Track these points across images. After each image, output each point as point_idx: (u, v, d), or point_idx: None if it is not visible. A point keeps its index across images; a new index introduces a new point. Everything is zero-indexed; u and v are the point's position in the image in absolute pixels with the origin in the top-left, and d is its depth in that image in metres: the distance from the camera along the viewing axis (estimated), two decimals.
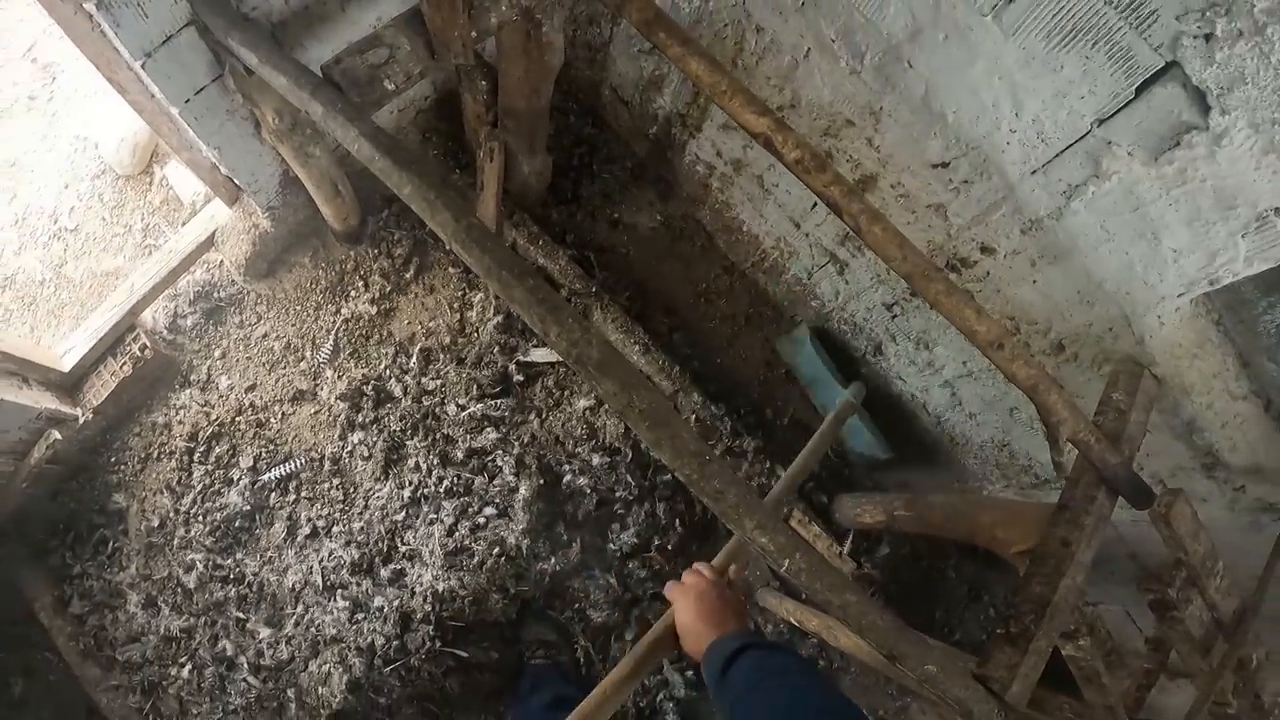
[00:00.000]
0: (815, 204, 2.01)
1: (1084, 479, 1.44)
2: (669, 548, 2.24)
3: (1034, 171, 1.45)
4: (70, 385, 2.16)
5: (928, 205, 1.72)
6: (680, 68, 1.45)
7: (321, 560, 2.15)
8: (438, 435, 2.20)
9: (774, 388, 2.48)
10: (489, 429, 2.20)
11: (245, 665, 2.13)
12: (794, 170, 1.42)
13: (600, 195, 2.47)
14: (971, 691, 1.20)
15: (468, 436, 2.19)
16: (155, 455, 2.23)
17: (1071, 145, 1.34)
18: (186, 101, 1.68)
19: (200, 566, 2.15)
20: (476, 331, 2.30)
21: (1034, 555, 1.43)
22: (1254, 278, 1.25)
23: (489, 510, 2.13)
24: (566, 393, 2.30)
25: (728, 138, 2.11)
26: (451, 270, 2.35)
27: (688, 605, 1.32)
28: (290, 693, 2.11)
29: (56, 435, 2.07)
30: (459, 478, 2.16)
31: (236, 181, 2.01)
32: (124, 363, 2.15)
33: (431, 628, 2.06)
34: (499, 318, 2.29)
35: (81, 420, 2.13)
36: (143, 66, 1.52)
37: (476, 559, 2.09)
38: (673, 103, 2.22)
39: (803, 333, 2.31)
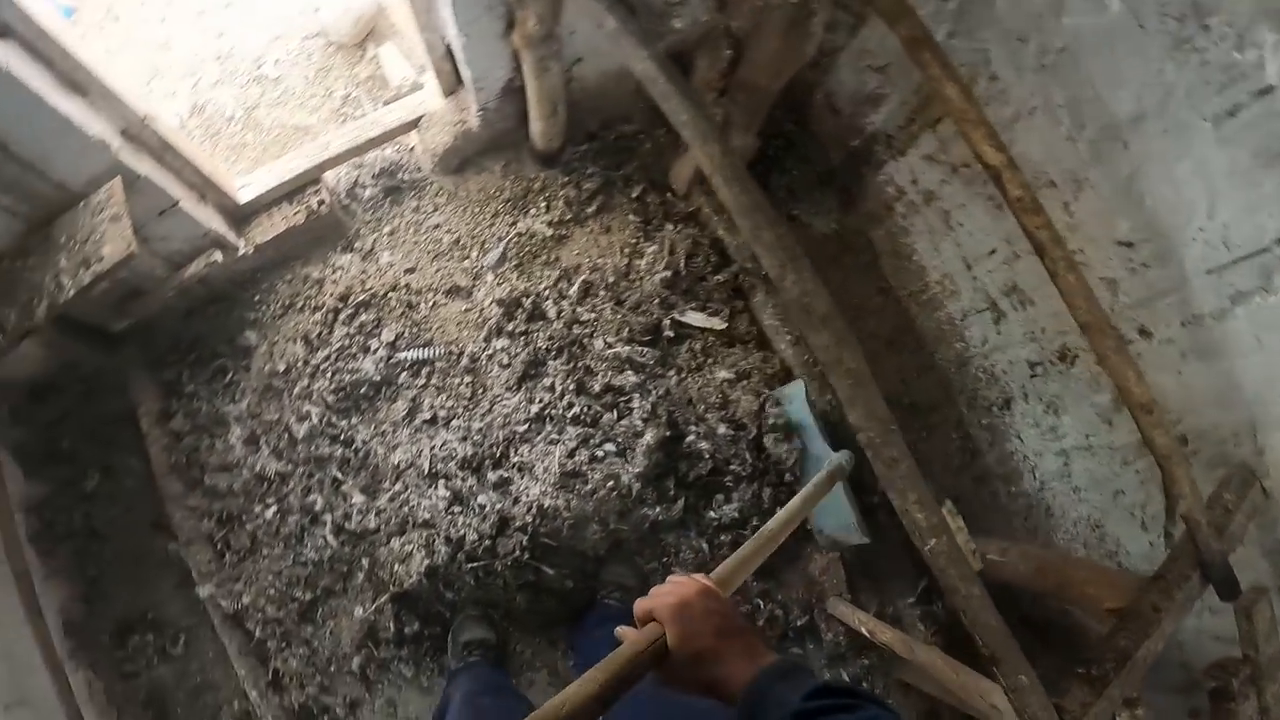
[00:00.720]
0: (994, 250, 2.50)
1: (1184, 558, 1.89)
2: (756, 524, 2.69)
3: (1209, 271, 1.92)
4: (240, 217, 2.64)
5: (1101, 277, 2.19)
6: (935, 88, 1.92)
7: (433, 447, 2.61)
8: (579, 364, 2.68)
9: (910, 416, 2.95)
10: (629, 371, 2.67)
11: (329, 524, 2.59)
12: (1013, 207, 1.89)
13: (785, 189, 2.97)
14: (1048, 716, 1.65)
15: (608, 373, 2.66)
16: (299, 306, 2.72)
17: (1250, 256, 1.80)
18: None
19: (314, 419, 2.62)
20: (641, 279, 2.79)
21: (1124, 614, 1.87)
22: None
23: (609, 446, 2.59)
24: (710, 360, 2.78)
25: (929, 168, 2.60)
26: (632, 217, 2.85)
27: (693, 620, 1.14)
28: (364, 561, 2.58)
29: (218, 257, 2.53)
30: (589, 408, 2.62)
31: (465, 75, 2.51)
32: (299, 211, 2.63)
33: (526, 538, 2.49)
34: (667, 273, 2.79)
35: (241, 252, 2.61)
36: None
37: (589, 486, 2.53)
38: (884, 122, 2.72)
39: (797, 387, 2.65)
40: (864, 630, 2.50)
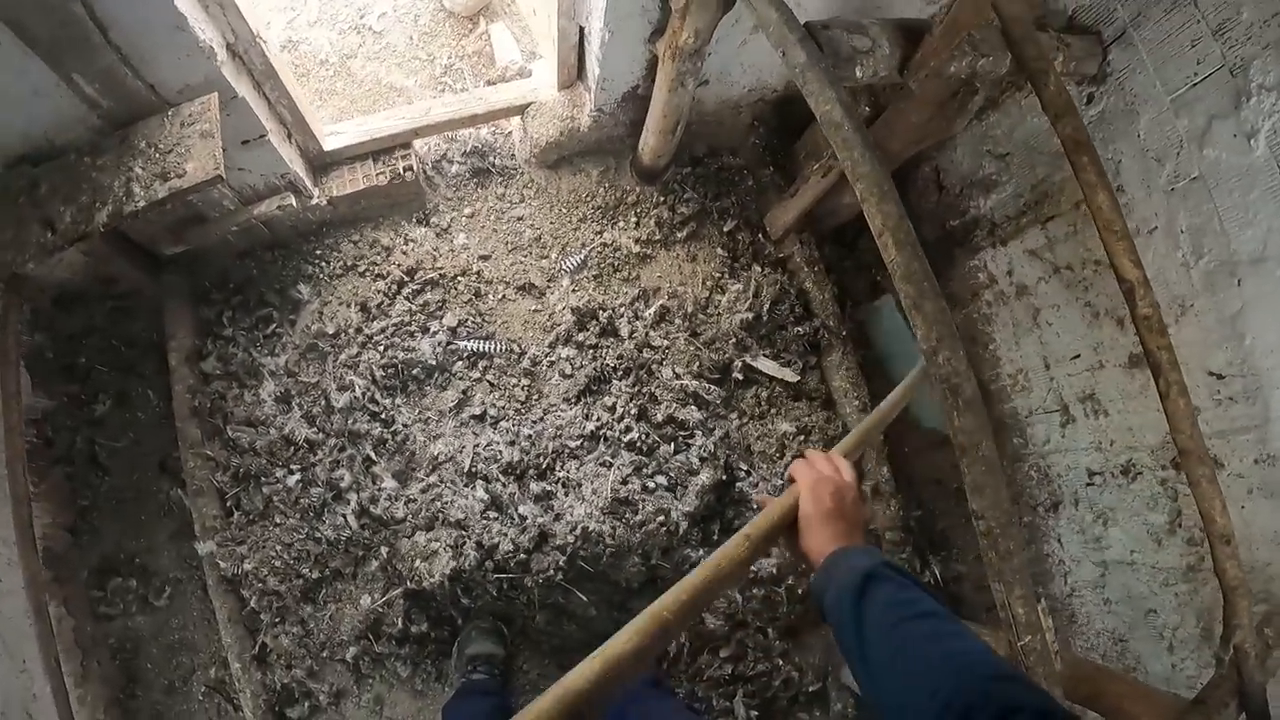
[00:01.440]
0: (1078, 355, 2.64)
1: (1226, 685, 2.02)
2: (799, 590, 2.77)
3: None
4: (320, 165, 2.64)
5: (1186, 405, 2.32)
6: (1086, 194, 2.04)
7: (478, 445, 2.63)
8: (645, 389, 2.73)
9: (939, 500, 3.06)
10: (693, 406, 2.75)
11: (353, 504, 2.57)
12: (1139, 323, 2.01)
13: (872, 254, 3.06)
14: None
15: (673, 404, 2.73)
16: (361, 270, 2.72)
17: None
18: None
19: (357, 391, 2.60)
20: (719, 315, 2.88)
21: None
22: None
23: (660, 479, 2.65)
24: (774, 411, 2.89)
25: (1029, 263, 2.73)
26: (720, 251, 2.95)
27: (819, 496, 1.38)
28: (383, 550, 2.56)
29: (291, 201, 2.52)
30: (647, 436, 2.68)
31: (591, 71, 2.55)
32: (382, 171, 2.64)
33: (564, 558, 2.51)
34: (748, 315, 2.88)
35: (315, 201, 2.59)
36: None
37: (639, 517, 2.57)
38: (992, 209, 2.85)
39: (888, 301, 2.85)
40: None
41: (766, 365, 2.87)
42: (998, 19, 2.13)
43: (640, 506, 2.59)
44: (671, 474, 2.68)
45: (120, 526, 2.60)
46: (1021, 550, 1.72)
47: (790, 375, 2.88)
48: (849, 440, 1.78)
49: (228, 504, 2.58)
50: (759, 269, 2.97)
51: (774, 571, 2.75)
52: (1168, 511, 2.46)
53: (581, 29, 2.52)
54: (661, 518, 2.58)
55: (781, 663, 2.75)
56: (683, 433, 2.72)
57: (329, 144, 2.58)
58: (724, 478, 2.69)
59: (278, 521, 2.56)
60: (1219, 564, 1.99)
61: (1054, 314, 2.71)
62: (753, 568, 2.71)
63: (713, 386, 2.80)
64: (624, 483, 2.60)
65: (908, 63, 2.14)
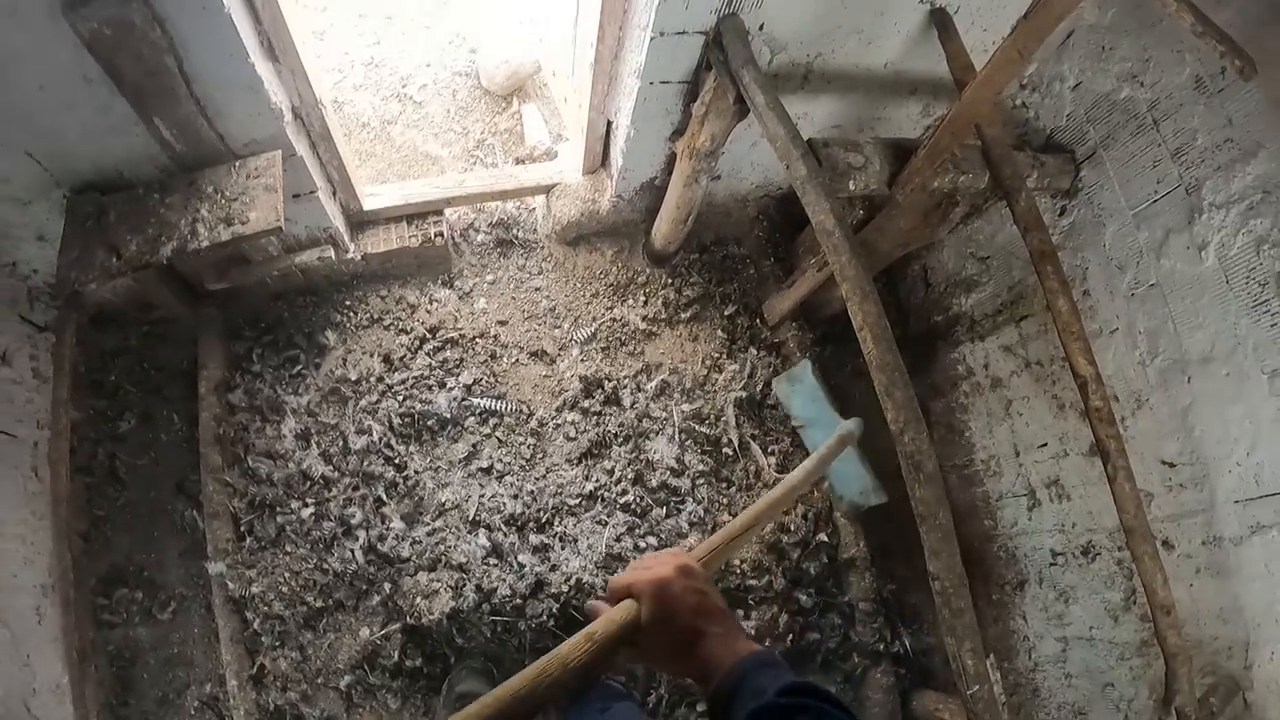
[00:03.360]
0: (1045, 444, 3.03)
1: None
2: (765, 641, 3.07)
3: (1238, 501, 2.45)
4: (358, 223, 3.02)
5: (1140, 489, 2.70)
6: (1049, 300, 2.45)
7: (483, 496, 2.98)
8: (641, 456, 3.10)
9: (912, 576, 3.40)
10: (685, 475, 3.11)
11: (362, 540, 2.88)
12: (1091, 415, 2.39)
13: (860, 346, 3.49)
14: None
15: (666, 472, 3.09)
16: (386, 324, 3.09)
17: (1276, 494, 2.34)
18: (651, 83, 2.62)
19: (375, 436, 2.95)
20: (715, 393, 3.28)
21: None
22: None
23: (651, 540, 3.00)
24: (761, 485, 3.24)
25: (1004, 358, 3.16)
26: (720, 333, 3.37)
27: (670, 599, 1.20)
28: (386, 586, 2.86)
29: (330, 253, 2.90)
30: (642, 500, 3.04)
31: (615, 161, 2.99)
32: (415, 234, 3.03)
33: (557, 606, 2.83)
34: (742, 393, 3.28)
35: (351, 255, 2.97)
36: (650, 39, 2.42)
37: None
38: (972, 307, 3.29)
39: (804, 368, 3.16)
40: None
41: (755, 451, 3.24)
42: (979, 139, 2.59)
43: (627, 562, 2.93)
44: (662, 535, 3.03)
45: (132, 539, 2.87)
46: (970, 609, 2.03)
47: (773, 463, 3.26)
48: (715, 540, 1.55)
49: (241, 529, 2.87)
50: (755, 351, 3.38)
51: (751, 631, 3.04)
52: (1123, 589, 2.81)
53: (609, 122, 2.95)
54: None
55: None
56: (674, 498, 3.08)
57: (368, 204, 2.96)
58: None
59: (288, 550, 2.86)
60: (1160, 632, 2.31)
61: (1024, 405, 3.11)
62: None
63: (705, 457, 3.17)
64: (617, 540, 2.95)
65: (896, 178, 2.58)
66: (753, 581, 3.11)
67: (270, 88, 2.26)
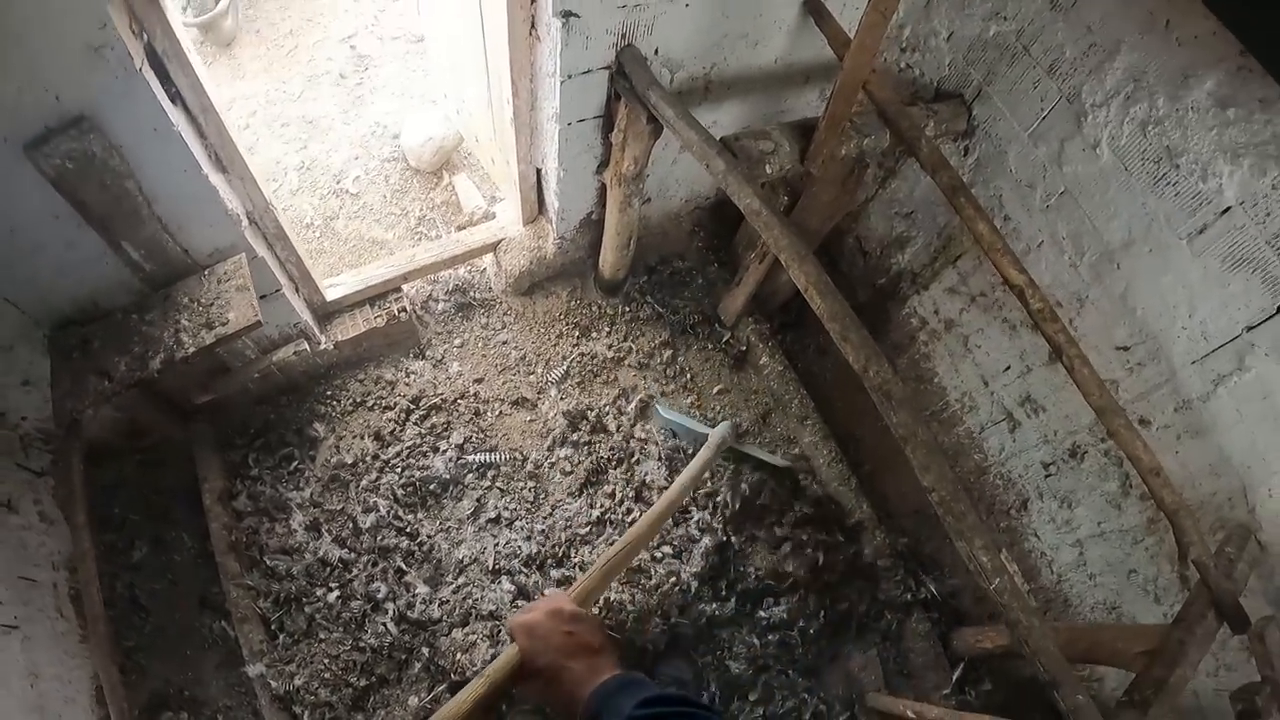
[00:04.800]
0: (1009, 367, 3.22)
1: (1199, 599, 2.44)
2: (810, 632, 3.20)
3: (1194, 361, 2.64)
4: (324, 314, 3.17)
5: (1104, 380, 2.88)
6: (969, 226, 2.66)
7: (498, 545, 3.09)
8: (636, 474, 3.25)
9: (922, 527, 3.54)
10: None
11: (391, 611, 2.96)
12: (1035, 316, 2.57)
13: (818, 325, 3.67)
14: None
15: (666, 483, 3.23)
16: (370, 404, 3.23)
17: (1225, 344, 2.53)
18: (569, 124, 2.84)
19: (381, 511, 3.06)
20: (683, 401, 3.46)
21: (1155, 651, 2.40)
22: None
23: (666, 549, 3.14)
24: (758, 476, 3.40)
25: (950, 299, 3.36)
26: (689, 346, 3.57)
27: (537, 638, 1.31)
28: (425, 650, 2.93)
29: (304, 346, 3.05)
30: None
31: (551, 205, 3.19)
32: (380, 315, 3.19)
33: None
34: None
35: (324, 345, 3.12)
36: (561, 83, 2.65)
37: (653, 582, 3.06)
38: (910, 261, 3.51)
39: (657, 417, 3.36)
40: (909, 714, 2.91)
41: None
42: (873, 104, 2.83)
43: (652, 572, 3.08)
44: (675, 543, 3.17)
45: (167, 663, 2.91)
46: (971, 510, 2.13)
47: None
48: (590, 575, 1.84)
49: (272, 627, 2.93)
50: (718, 355, 3.60)
51: (784, 616, 3.18)
52: (1117, 477, 2.97)
53: (538, 170, 3.16)
54: (673, 578, 3.06)
55: (808, 697, 3.13)
56: (679, 509, 3.21)
57: (330, 294, 3.12)
58: (724, 539, 3.20)
59: (322, 637, 2.92)
60: (1155, 494, 2.44)
61: (980, 337, 3.31)
62: (763, 614, 3.17)
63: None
64: None
65: (806, 154, 2.82)
66: (770, 582, 3.25)
67: (225, 196, 2.44)
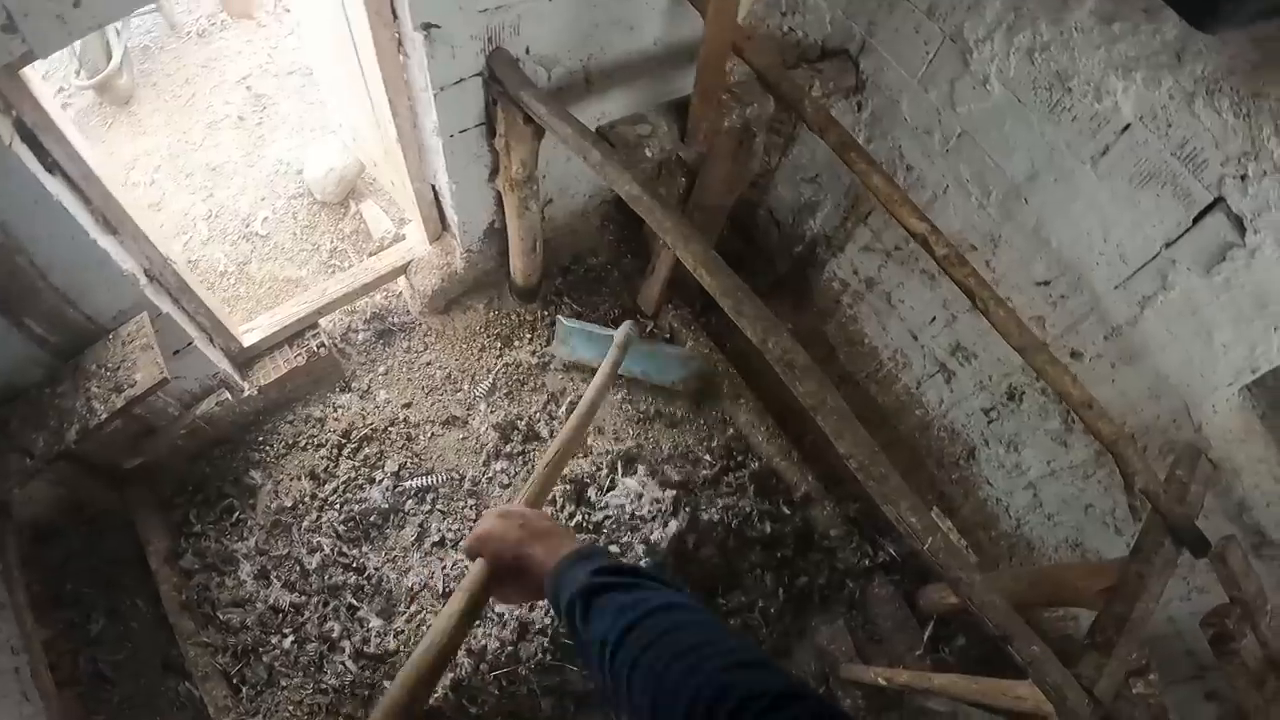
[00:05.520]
0: (934, 318, 3.08)
1: (1153, 528, 2.31)
2: (772, 611, 3.09)
3: (1116, 286, 2.49)
4: (243, 361, 3.07)
5: (1030, 317, 2.75)
6: (863, 180, 2.53)
7: (445, 568, 2.98)
8: (572, 476, 3.13)
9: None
10: (626, 479, 3.16)
11: (348, 649, 2.86)
12: (942, 264, 2.44)
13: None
14: (1067, 680, 1.99)
15: (605, 483, 3.14)
16: (303, 445, 3.12)
17: (1146, 264, 2.39)
18: (451, 136, 2.72)
19: (326, 550, 2.96)
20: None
21: (1114, 587, 2.26)
22: None
23: (614, 548, 3.02)
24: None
25: (866, 258, 3.23)
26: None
27: (493, 539, 1.28)
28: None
29: (227, 395, 2.95)
30: (589, 516, 3.07)
31: (451, 220, 3.06)
32: (299, 354, 3.08)
33: (547, 639, 2.84)
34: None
35: (247, 393, 3.01)
36: (434, 96, 2.54)
37: None
38: (822, 225, 3.37)
39: (558, 325, 3.26)
40: (880, 681, 2.80)
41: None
42: (753, 70, 2.68)
43: None
44: (620, 544, 3.05)
45: None
46: (894, 473, 2.02)
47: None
48: (533, 481, 1.73)
49: (234, 681, 2.83)
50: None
51: (742, 599, 3.08)
52: (1058, 415, 2.83)
53: (434, 187, 3.04)
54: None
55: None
56: (617, 506, 3.11)
57: (247, 340, 3.01)
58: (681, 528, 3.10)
59: (284, 684, 2.82)
60: (1091, 427, 2.32)
61: (902, 291, 3.17)
62: (721, 601, 3.05)
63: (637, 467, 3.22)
64: None
65: (685, 132, 2.67)
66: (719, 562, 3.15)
67: (118, 258, 2.34)
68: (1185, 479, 2.37)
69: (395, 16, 2.36)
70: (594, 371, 2.39)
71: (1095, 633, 2.16)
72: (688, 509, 3.12)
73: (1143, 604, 2.17)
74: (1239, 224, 2.11)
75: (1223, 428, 2.42)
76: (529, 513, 1.34)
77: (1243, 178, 2.03)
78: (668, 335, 3.56)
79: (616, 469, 3.20)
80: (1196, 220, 2.20)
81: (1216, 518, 2.52)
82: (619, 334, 2.71)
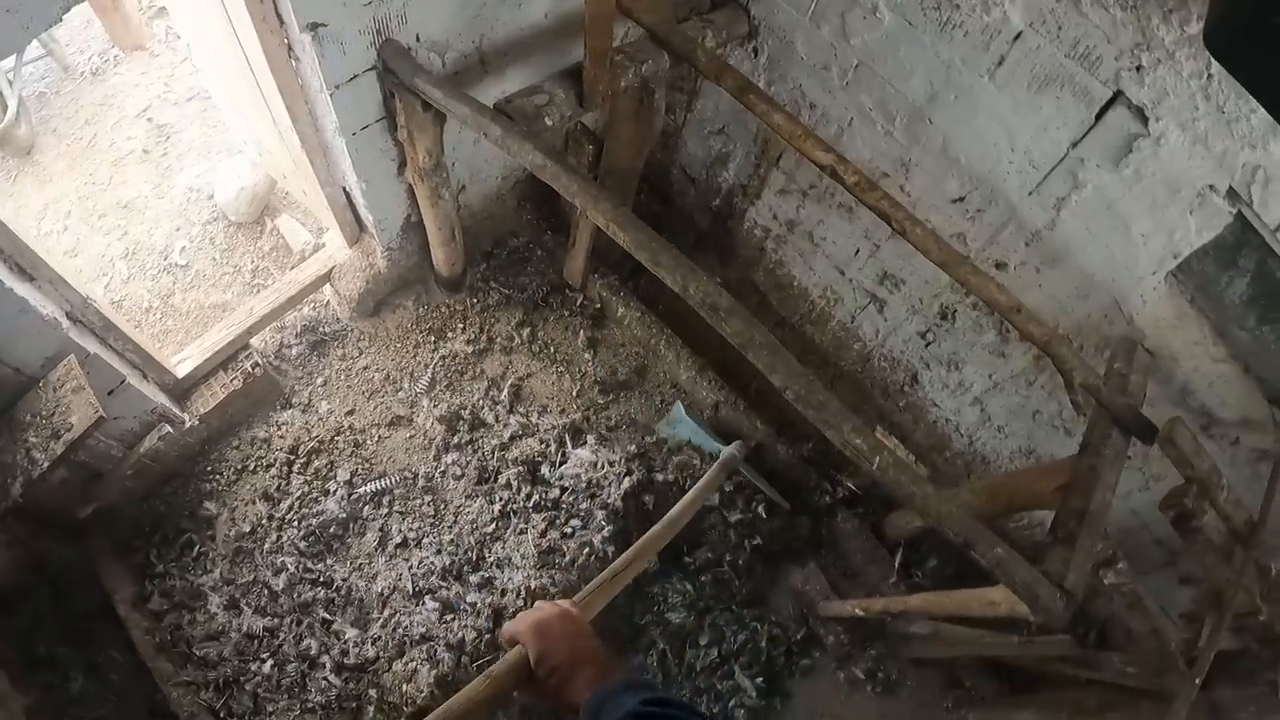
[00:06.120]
0: (858, 250, 3.04)
1: (1099, 421, 2.27)
2: (740, 563, 3.06)
3: (1030, 193, 2.47)
4: (180, 392, 2.98)
5: (951, 235, 2.72)
6: (765, 120, 2.48)
7: (411, 568, 2.93)
8: (523, 455, 3.09)
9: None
10: (576, 450, 3.12)
11: (328, 664, 2.80)
12: (853, 191, 2.40)
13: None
14: (1035, 578, 1.96)
15: (556, 459, 3.11)
16: (252, 468, 3.05)
17: (1055, 167, 2.37)
18: (354, 134, 2.63)
19: (291, 568, 2.89)
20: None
21: (1069, 484, 2.23)
22: (1212, 256, 2.22)
23: (575, 522, 2.99)
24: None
25: (784, 201, 3.18)
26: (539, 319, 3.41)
27: (550, 639, 1.24)
28: (372, 693, 2.78)
29: (168, 428, 2.86)
30: (545, 493, 3.04)
31: (367, 219, 2.98)
32: (235, 377, 2.99)
33: None
34: (589, 355, 3.32)
35: (188, 424, 2.92)
36: (331, 96, 2.46)
37: (568, 558, 2.91)
38: (736, 175, 3.32)
39: (677, 410, 3.22)
40: (858, 612, 2.77)
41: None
42: (643, 28, 2.61)
43: (565, 549, 2.94)
44: (581, 514, 3.01)
45: None
46: (831, 398, 1.99)
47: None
48: (593, 587, 1.71)
49: (221, 715, 2.75)
50: (575, 319, 3.45)
51: (709, 555, 3.06)
52: (992, 326, 2.81)
53: (345, 189, 2.95)
54: (587, 549, 2.92)
55: (759, 626, 3.01)
56: (573, 477, 3.08)
57: (180, 371, 2.92)
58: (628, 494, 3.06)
59: (270, 710, 2.76)
60: (1023, 331, 2.29)
61: (823, 229, 3.13)
62: (688, 558, 3.02)
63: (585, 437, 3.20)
64: (543, 536, 2.95)
65: (583, 97, 2.61)
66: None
67: (37, 304, 2.26)
68: (1124, 371, 2.36)
69: (281, 21, 2.27)
70: None
71: (1056, 529, 2.13)
72: (643, 469, 3.10)
73: (1099, 495, 2.14)
74: (1140, 115, 2.09)
75: (1154, 316, 2.41)
76: (588, 629, 1.30)
77: (1138, 69, 2.01)
78: (598, 305, 3.52)
79: (565, 443, 3.16)
80: (1099, 117, 2.18)
81: (1162, 405, 2.50)
82: (725, 453, 2.75)
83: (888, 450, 2.00)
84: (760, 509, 3.16)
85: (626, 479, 3.03)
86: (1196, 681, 2.10)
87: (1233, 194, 2.06)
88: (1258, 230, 2.11)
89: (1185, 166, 2.09)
